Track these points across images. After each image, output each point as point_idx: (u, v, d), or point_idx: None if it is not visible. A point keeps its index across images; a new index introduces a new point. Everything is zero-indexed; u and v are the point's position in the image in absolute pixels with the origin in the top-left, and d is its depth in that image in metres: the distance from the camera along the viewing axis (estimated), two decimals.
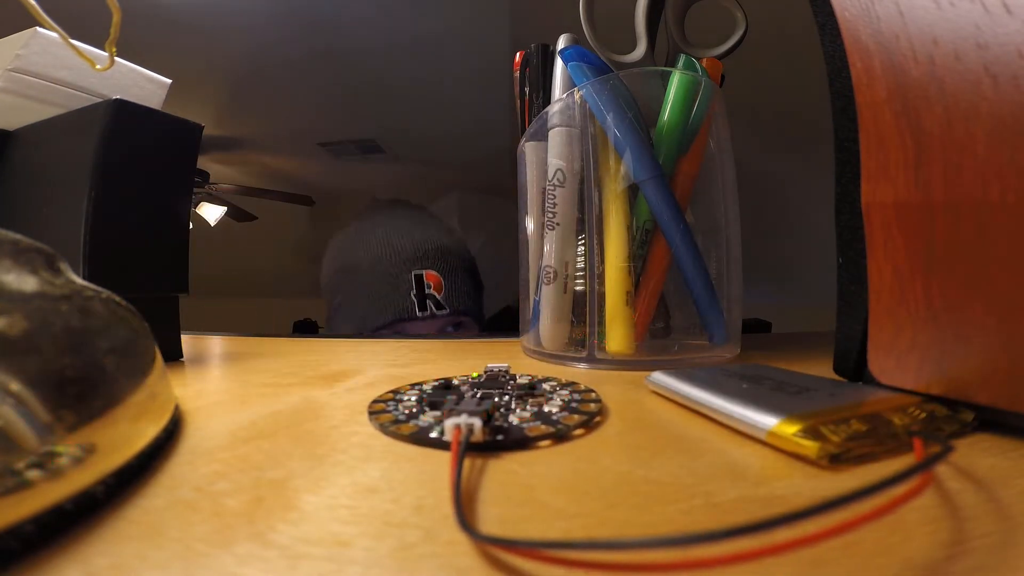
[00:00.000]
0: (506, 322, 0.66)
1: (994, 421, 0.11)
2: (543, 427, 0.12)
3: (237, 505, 0.08)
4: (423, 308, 0.51)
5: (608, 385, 0.17)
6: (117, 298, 0.12)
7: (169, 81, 0.31)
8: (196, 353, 0.28)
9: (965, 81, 0.10)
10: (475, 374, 0.18)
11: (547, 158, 0.24)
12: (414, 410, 0.14)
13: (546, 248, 0.24)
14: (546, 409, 0.13)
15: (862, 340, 0.14)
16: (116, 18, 0.19)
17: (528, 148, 0.27)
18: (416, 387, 0.16)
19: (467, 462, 0.10)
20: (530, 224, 0.26)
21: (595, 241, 0.22)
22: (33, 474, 0.07)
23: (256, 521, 0.08)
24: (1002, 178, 0.10)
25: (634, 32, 0.24)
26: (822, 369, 0.16)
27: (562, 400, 0.14)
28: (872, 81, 0.13)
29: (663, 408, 0.15)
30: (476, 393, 0.15)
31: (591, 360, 0.21)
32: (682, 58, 0.23)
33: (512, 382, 0.16)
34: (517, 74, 0.28)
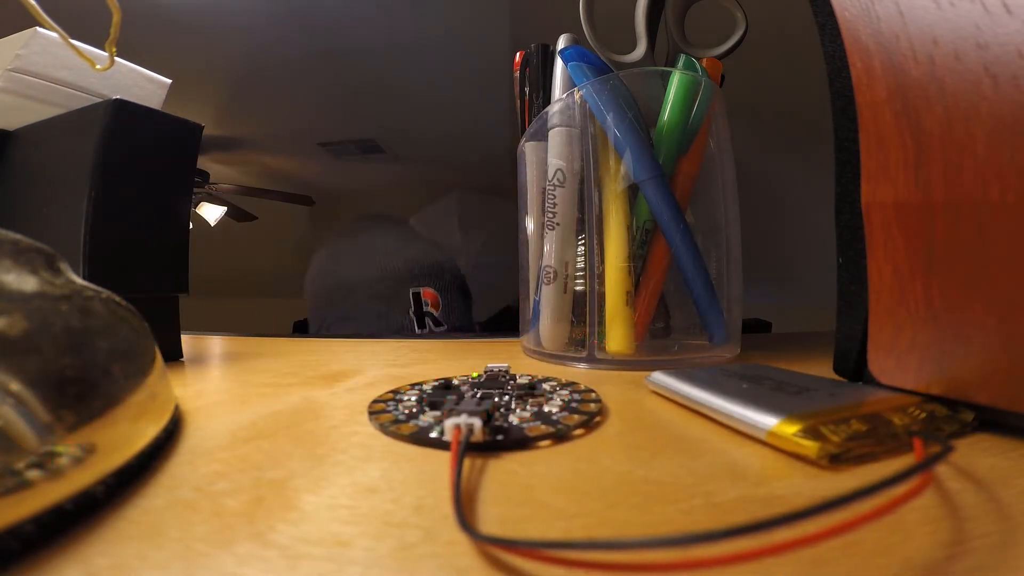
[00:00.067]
0: (506, 322, 0.67)
1: (994, 421, 0.11)
2: (543, 427, 0.12)
3: (237, 505, 0.08)
4: (422, 326, 0.52)
5: (608, 385, 0.17)
6: (117, 298, 0.12)
7: (169, 81, 0.31)
8: (196, 353, 0.28)
9: (965, 81, 0.10)
10: (475, 374, 0.18)
11: (547, 158, 0.24)
12: (414, 410, 0.14)
13: (546, 248, 0.24)
14: (546, 409, 0.13)
15: (862, 340, 0.14)
16: (116, 18, 0.19)
17: (528, 148, 0.27)
18: (416, 387, 0.16)
19: (467, 462, 0.10)
20: (530, 224, 0.26)
21: (595, 241, 0.22)
22: (33, 474, 0.07)
23: (256, 521, 0.08)
24: (1002, 178, 0.10)
25: (634, 32, 0.24)
26: (822, 369, 0.16)
27: (562, 400, 0.14)
28: (872, 81, 0.13)
29: (663, 408, 0.15)
30: (476, 393, 0.15)
31: (591, 360, 0.21)
32: (682, 58, 0.23)
33: (512, 382, 0.16)
34: (517, 74, 0.28)
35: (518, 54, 0.28)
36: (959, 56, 0.11)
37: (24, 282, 0.10)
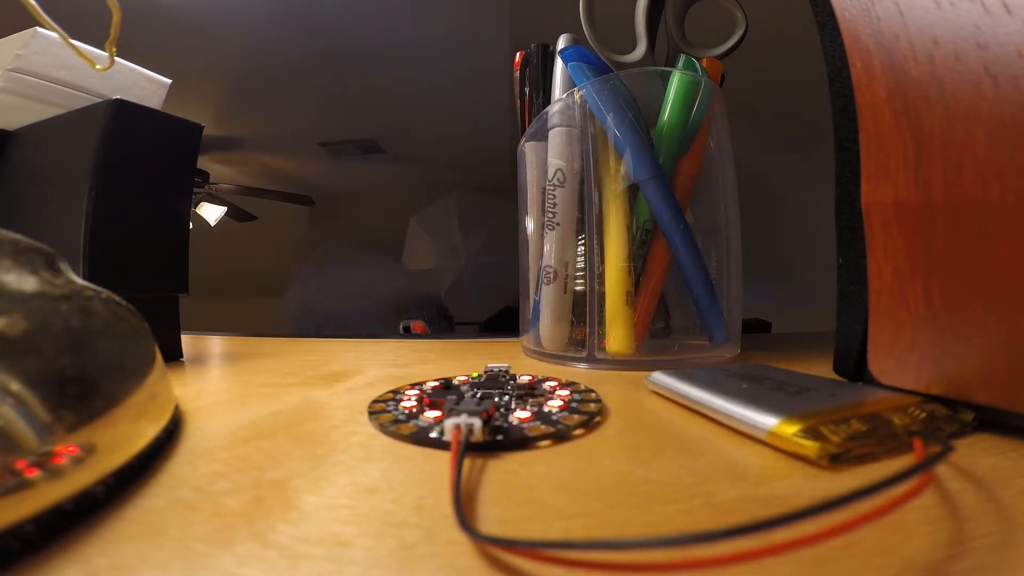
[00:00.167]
0: (506, 322, 0.67)
1: (994, 421, 0.11)
2: (543, 427, 0.12)
3: (237, 505, 0.08)
4: None
5: (608, 385, 0.17)
6: (117, 298, 0.12)
7: (169, 81, 0.31)
8: (196, 353, 0.28)
9: (965, 81, 0.10)
10: (475, 374, 0.18)
11: (547, 158, 0.24)
12: (414, 410, 0.14)
13: (546, 248, 0.24)
14: (546, 409, 0.13)
15: (862, 340, 0.14)
16: (116, 18, 0.19)
17: (528, 148, 0.27)
18: (416, 387, 0.16)
19: (467, 462, 0.10)
20: (530, 224, 0.26)
21: (595, 241, 0.22)
22: (33, 474, 0.07)
23: (256, 521, 0.08)
24: (1002, 178, 0.10)
25: (634, 32, 0.24)
26: (822, 369, 0.16)
27: (562, 400, 0.14)
28: (872, 81, 0.13)
29: (663, 408, 0.15)
30: (476, 393, 0.15)
31: (591, 360, 0.21)
32: (682, 58, 0.23)
33: (512, 382, 0.16)
34: (517, 74, 0.28)
35: (518, 54, 0.28)
36: (959, 56, 0.11)
37: (24, 282, 0.10)
